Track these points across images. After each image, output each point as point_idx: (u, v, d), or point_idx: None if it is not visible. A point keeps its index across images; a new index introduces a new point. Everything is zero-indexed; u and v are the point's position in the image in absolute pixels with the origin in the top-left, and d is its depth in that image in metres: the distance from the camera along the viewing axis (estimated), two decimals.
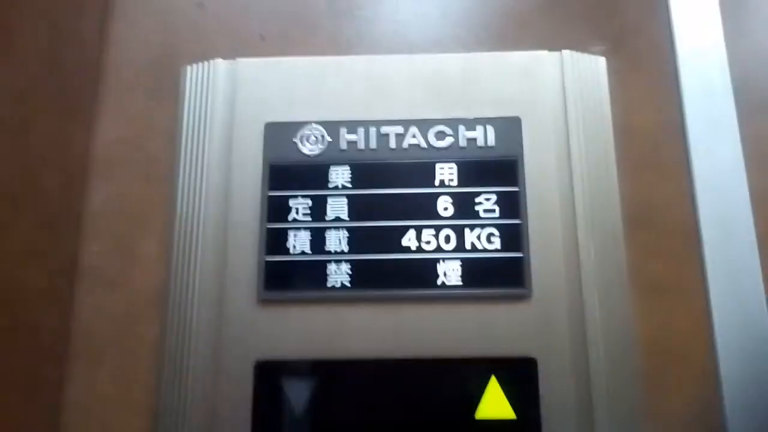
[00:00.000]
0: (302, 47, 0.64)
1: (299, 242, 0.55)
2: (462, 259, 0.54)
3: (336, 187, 0.56)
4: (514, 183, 0.56)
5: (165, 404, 0.52)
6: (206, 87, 0.59)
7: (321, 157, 0.57)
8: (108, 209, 0.60)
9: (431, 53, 0.62)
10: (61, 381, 0.56)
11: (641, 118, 0.61)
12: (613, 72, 0.61)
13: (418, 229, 0.55)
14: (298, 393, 0.52)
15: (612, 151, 0.58)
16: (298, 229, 0.55)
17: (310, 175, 0.57)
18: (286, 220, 0.55)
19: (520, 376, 0.52)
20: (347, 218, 0.55)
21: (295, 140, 0.57)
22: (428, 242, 0.54)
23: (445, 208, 0.55)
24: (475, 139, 0.57)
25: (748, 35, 0.64)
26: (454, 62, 0.59)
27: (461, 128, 0.57)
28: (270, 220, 0.55)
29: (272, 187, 0.56)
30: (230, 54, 0.61)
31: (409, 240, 0.54)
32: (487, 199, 0.55)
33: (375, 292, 0.54)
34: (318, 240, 0.55)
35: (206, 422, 0.51)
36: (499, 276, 0.54)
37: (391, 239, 0.55)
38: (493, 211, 0.55)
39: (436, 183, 0.56)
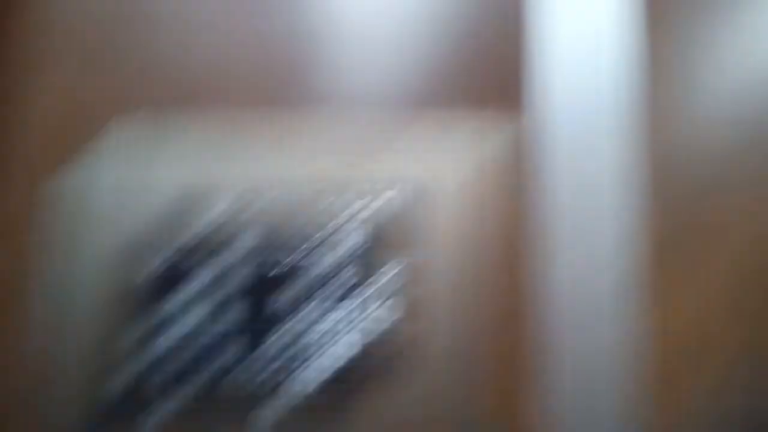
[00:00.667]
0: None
1: None
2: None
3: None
4: (419, 251, 0.56)
5: None
6: None
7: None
8: None
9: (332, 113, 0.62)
10: None
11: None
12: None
13: None
14: None
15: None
16: None
17: None
18: None
19: None
20: None
21: None
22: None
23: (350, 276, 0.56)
24: (383, 206, 0.57)
25: None
26: (365, 126, 0.60)
27: (369, 195, 0.58)
28: None
29: None
30: None
31: None
32: (392, 268, 0.56)
33: None
34: None
35: None
36: None
37: None
38: (398, 278, 0.56)
39: (343, 250, 0.56)
